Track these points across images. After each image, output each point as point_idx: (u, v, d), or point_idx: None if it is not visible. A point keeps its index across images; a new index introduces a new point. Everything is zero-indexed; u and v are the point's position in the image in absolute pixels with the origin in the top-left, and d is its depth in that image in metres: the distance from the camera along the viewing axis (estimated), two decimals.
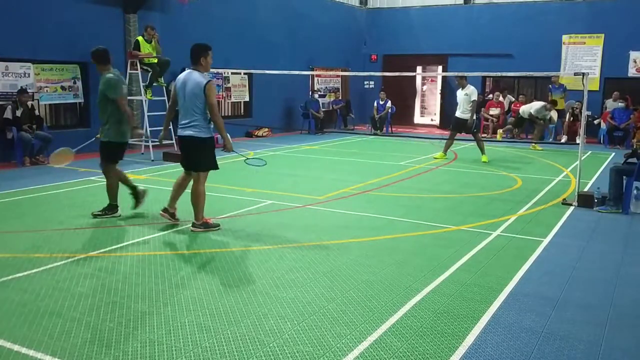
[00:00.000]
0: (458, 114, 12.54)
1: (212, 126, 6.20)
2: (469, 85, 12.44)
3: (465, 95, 12.32)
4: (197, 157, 6.20)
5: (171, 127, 7.04)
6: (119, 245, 5.68)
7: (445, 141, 13.07)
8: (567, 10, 17.91)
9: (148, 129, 11.72)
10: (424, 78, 22.03)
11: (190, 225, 6.29)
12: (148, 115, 11.87)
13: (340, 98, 20.43)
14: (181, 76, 6.18)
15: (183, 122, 6.14)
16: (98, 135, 6.77)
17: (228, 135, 6.25)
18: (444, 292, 4.59)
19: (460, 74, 12.69)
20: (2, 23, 10.60)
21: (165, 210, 6.49)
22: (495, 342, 3.73)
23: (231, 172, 9.83)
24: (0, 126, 10.60)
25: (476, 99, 12.47)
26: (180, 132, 6.18)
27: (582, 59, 17.70)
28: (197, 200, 6.17)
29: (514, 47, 18.35)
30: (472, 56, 18.86)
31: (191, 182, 6.32)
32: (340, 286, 4.66)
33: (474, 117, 12.53)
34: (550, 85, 17.12)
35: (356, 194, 8.48)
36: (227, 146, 6.24)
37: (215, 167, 6.31)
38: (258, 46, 16.14)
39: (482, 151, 12.42)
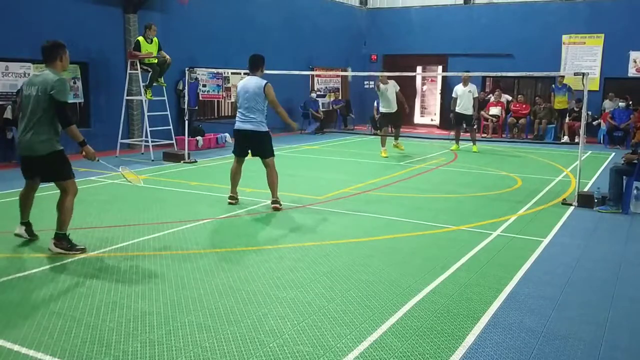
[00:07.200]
0: (459, 110, 13.70)
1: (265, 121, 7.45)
2: (470, 82, 13.69)
3: (469, 92, 13.57)
4: (262, 147, 7.39)
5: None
6: (118, 245, 5.68)
7: (454, 137, 14.30)
8: (567, 10, 17.89)
9: (148, 129, 11.72)
10: (423, 78, 22.01)
11: (270, 203, 7.39)
12: (148, 116, 11.87)
13: (340, 98, 20.43)
14: (242, 81, 7.54)
15: (243, 117, 7.38)
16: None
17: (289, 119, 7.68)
18: (444, 292, 4.59)
19: (465, 73, 13.11)
20: (2, 23, 10.60)
21: (231, 197, 7.55)
22: (495, 342, 3.74)
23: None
24: (0, 126, 10.60)
25: (477, 96, 14.12)
26: (241, 126, 7.38)
27: (582, 59, 17.68)
28: (273, 183, 7.38)
29: (514, 47, 18.34)
30: (472, 56, 18.84)
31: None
32: (340, 286, 4.66)
33: (475, 112, 14.16)
34: (552, 85, 17.13)
35: (356, 194, 8.47)
36: (293, 126, 7.85)
37: (273, 153, 7.50)
38: (258, 46, 16.07)
39: (474, 142, 13.91)
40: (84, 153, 5.48)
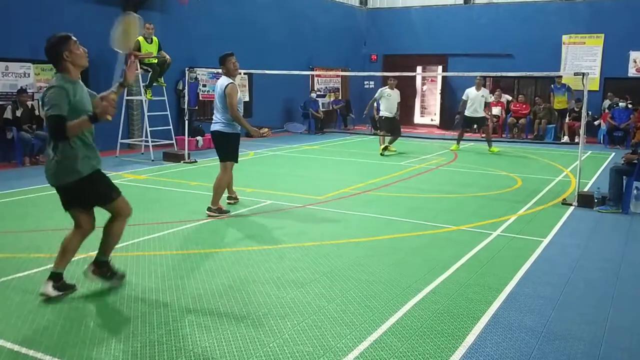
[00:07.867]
0: (468, 113, 13.86)
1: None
2: (482, 87, 14.03)
3: (482, 97, 13.81)
4: (223, 147, 7.04)
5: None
6: (118, 245, 5.65)
7: (456, 137, 14.41)
8: (567, 10, 17.89)
9: (148, 129, 11.73)
10: (424, 78, 22.01)
11: (206, 209, 6.94)
12: (148, 116, 11.87)
13: (340, 98, 20.43)
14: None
15: (213, 119, 7.08)
16: None
17: (249, 125, 7.14)
18: (444, 292, 4.59)
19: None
20: (2, 23, 10.59)
21: (229, 198, 7.46)
22: (495, 342, 3.74)
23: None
24: (0, 126, 10.61)
25: (490, 101, 14.48)
26: (211, 127, 7.11)
27: (582, 59, 17.69)
28: (217, 187, 6.94)
29: (514, 47, 18.34)
30: (472, 56, 18.85)
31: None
32: (340, 286, 4.66)
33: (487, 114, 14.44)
34: (552, 85, 17.14)
35: (356, 194, 8.48)
36: (253, 134, 7.22)
37: (235, 160, 7.08)
38: (258, 46, 16.14)
39: (490, 143, 13.93)
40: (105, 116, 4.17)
